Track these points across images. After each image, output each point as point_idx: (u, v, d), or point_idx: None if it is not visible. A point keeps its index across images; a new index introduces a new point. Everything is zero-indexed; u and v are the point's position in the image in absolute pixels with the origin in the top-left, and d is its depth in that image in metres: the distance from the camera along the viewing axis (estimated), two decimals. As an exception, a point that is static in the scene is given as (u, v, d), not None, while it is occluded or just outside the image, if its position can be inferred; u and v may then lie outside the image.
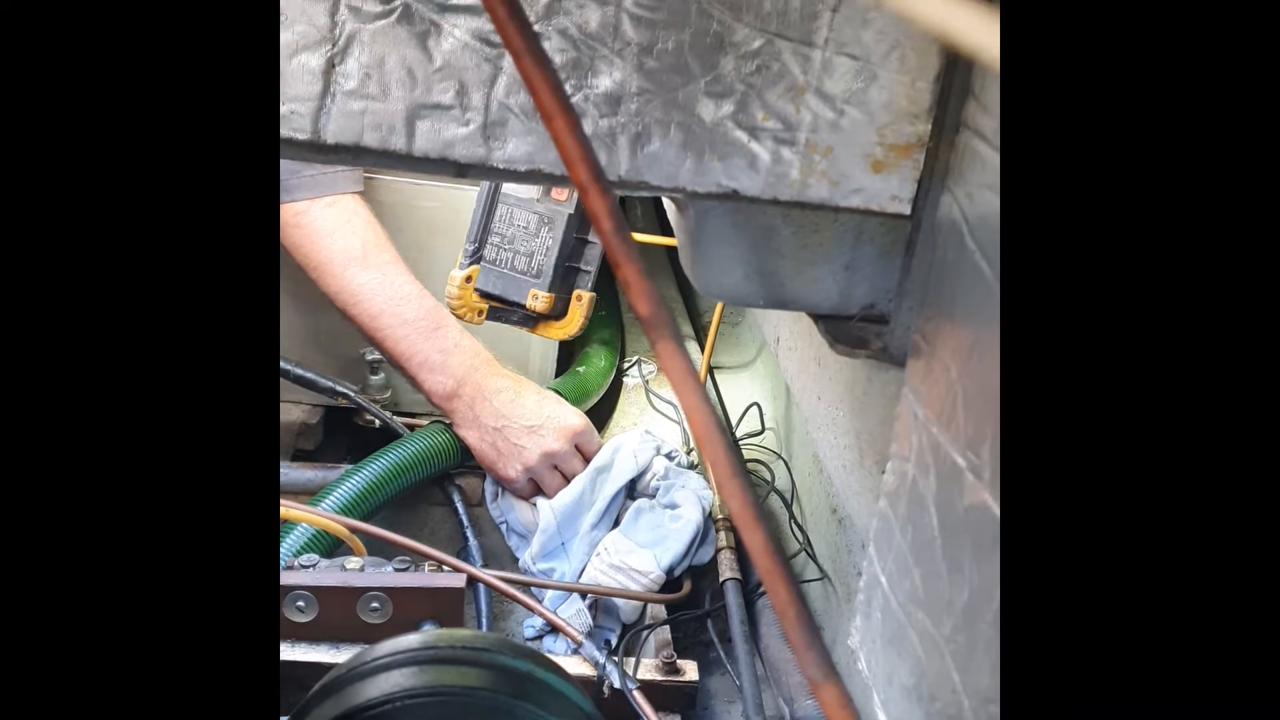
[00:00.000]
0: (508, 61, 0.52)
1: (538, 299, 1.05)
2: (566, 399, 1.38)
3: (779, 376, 1.35)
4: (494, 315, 1.10)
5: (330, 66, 0.51)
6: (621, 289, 0.38)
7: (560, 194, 1.07)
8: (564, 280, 1.08)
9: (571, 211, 1.06)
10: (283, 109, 0.51)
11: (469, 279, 1.10)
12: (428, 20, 0.51)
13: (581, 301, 1.08)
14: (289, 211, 1.24)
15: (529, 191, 1.08)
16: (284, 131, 0.51)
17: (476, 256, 1.10)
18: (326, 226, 1.26)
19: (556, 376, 1.48)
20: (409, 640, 0.55)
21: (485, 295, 1.10)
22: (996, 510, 0.48)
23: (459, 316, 1.11)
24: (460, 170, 0.54)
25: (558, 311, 1.09)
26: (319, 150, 0.52)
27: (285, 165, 1.22)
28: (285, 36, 0.50)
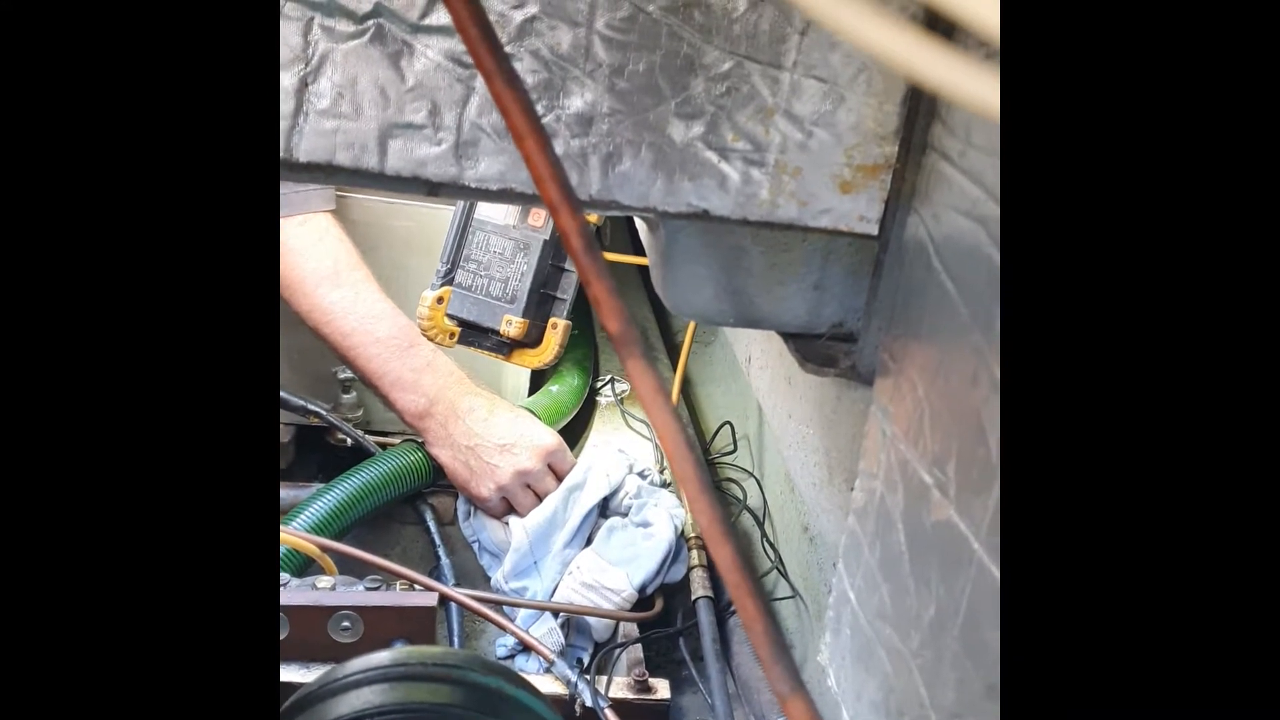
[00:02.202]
0: (480, 82, 0.52)
1: (511, 324, 1.05)
2: (540, 418, 1.38)
3: (751, 395, 1.36)
4: (467, 340, 1.09)
5: (303, 85, 0.51)
6: (593, 307, 0.39)
7: (537, 219, 1.07)
8: (539, 307, 1.07)
9: (547, 238, 1.06)
10: (255, 127, 0.51)
11: (440, 300, 1.09)
12: (400, 41, 0.51)
13: (557, 329, 1.08)
14: None
15: (505, 218, 1.08)
16: (256, 150, 0.51)
17: (449, 278, 1.10)
18: (298, 245, 1.26)
19: (529, 395, 1.48)
20: (379, 657, 0.55)
21: (459, 321, 1.09)
22: (963, 526, 0.48)
23: (429, 338, 1.11)
24: (432, 189, 0.54)
25: (532, 339, 1.09)
26: (292, 168, 0.52)
27: None
28: (258, 55, 0.50)
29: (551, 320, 1.08)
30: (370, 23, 0.50)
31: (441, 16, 0.51)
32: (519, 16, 0.51)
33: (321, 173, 0.53)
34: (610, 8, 0.52)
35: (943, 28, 0.47)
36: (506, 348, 1.09)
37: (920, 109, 0.55)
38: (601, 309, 0.39)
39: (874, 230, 0.58)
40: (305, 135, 0.51)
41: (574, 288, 1.09)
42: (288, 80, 0.51)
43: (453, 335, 1.09)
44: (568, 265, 1.08)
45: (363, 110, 0.52)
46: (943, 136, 0.54)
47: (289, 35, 0.50)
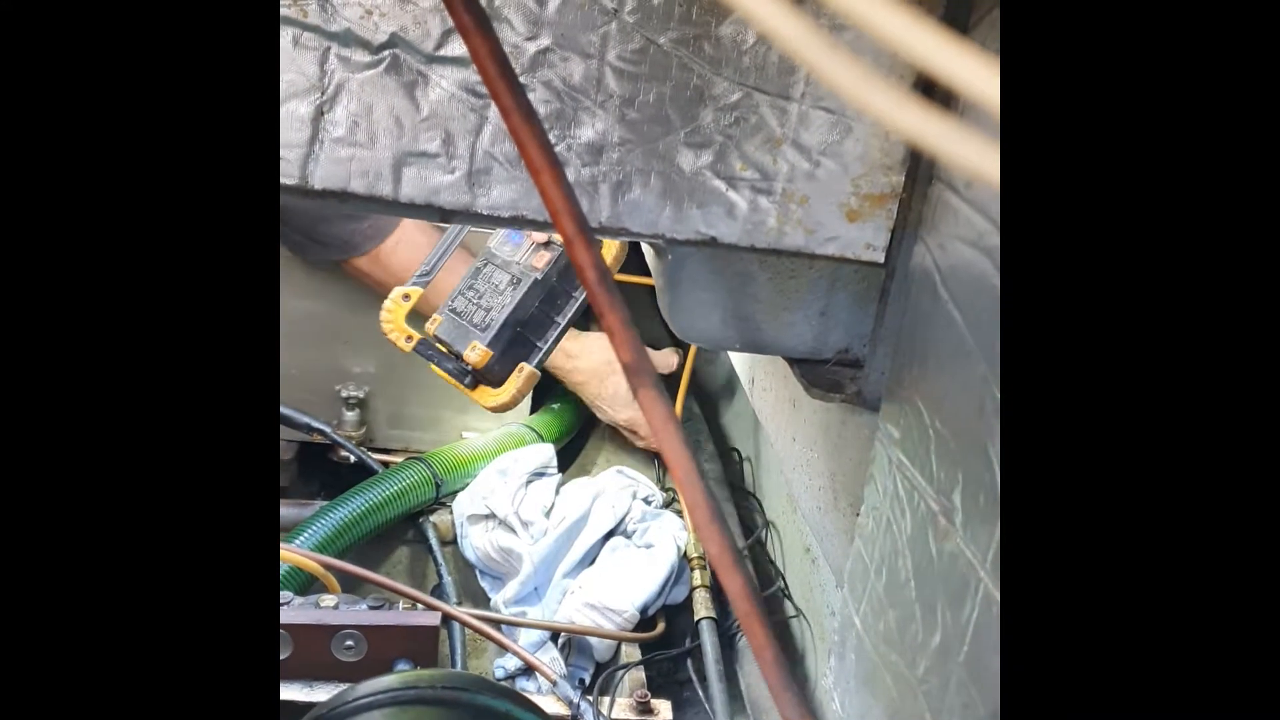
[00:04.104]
0: (493, 111, 0.53)
1: (475, 350, 1.02)
2: (542, 435, 1.39)
3: (752, 417, 1.36)
4: (431, 356, 1.06)
5: (319, 114, 0.52)
6: (607, 338, 0.39)
7: (540, 260, 1.06)
8: (510, 344, 1.03)
9: (539, 278, 1.04)
10: (271, 155, 0.52)
11: (406, 297, 1.09)
12: (415, 71, 0.52)
13: (521, 374, 1.03)
14: (366, 261, 1.34)
15: (513, 254, 1.08)
16: (272, 177, 0.52)
17: (424, 280, 1.10)
18: (399, 261, 1.33)
19: (532, 412, 1.49)
20: (389, 680, 0.55)
21: (440, 341, 1.08)
22: (969, 554, 0.49)
23: (385, 333, 1.09)
24: (445, 215, 0.55)
25: (496, 376, 1.05)
26: (306, 195, 0.53)
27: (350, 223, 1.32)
28: (275, 84, 0.51)
29: (520, 365, 1.04)
30: (386, 53, 0.51)
31: (455, 48, 0.52)
32: (532, 48, 0.52)
33: (336, 199, 0.53)
34: (622, 40, 0.53)
35: (940, 93, 0.48)
36: (469, 377, 1.05)
37: (926, 140, 0.56)
38: (615, 339, 0.39)
39: (880, 258, 0.58)
40: (321, 163, 0.52)
41: (554, 338, 1.06)
42: (304, 108, 0.51)
43: (409, 339, 1.07)
44: (558, 317, 1.06)
45: (378, 139, 0.52)
46: (948, 168, 0.54)
47: (305, 65, 0.51)
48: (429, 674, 0.55)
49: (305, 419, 1.34)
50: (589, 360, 1.45)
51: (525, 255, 1.08)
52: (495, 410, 1.09)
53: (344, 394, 1.42)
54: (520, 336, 1.05)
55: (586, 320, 1.45)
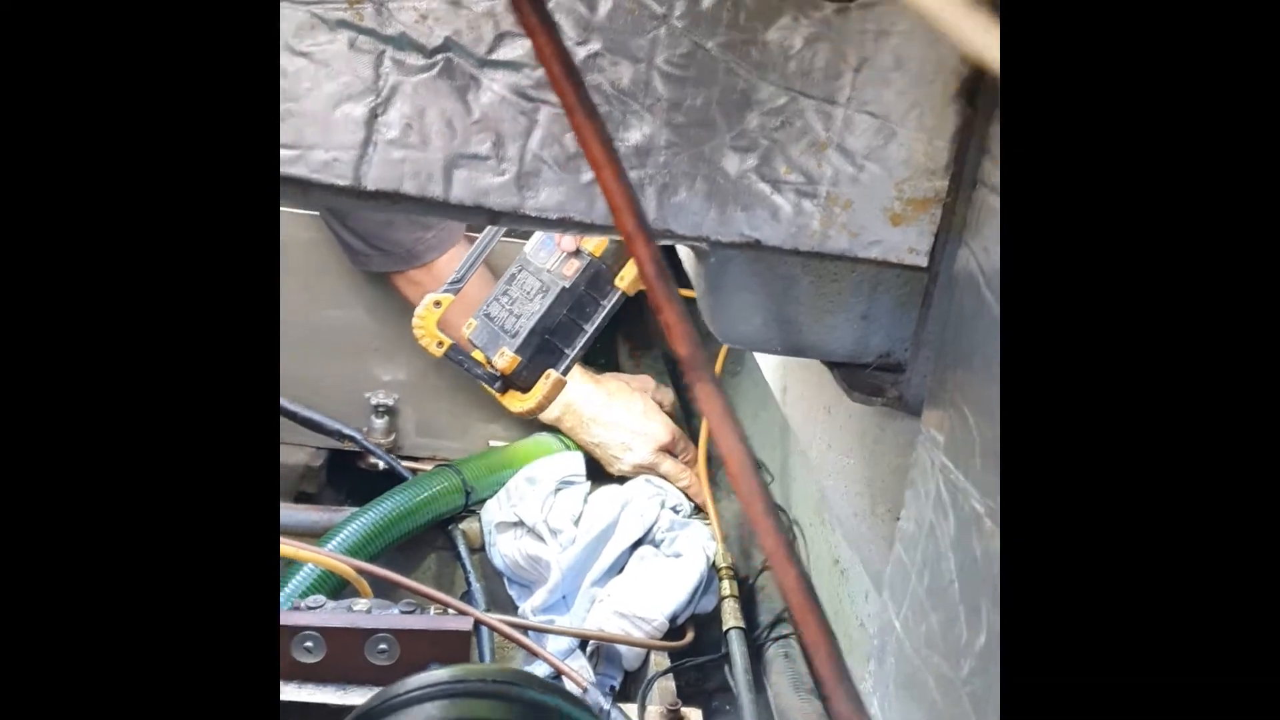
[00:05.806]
0: (543, 114, 0.54)
1: (503, 356, 1.04)
2: (570, 444, 1.39)
3: (777, 426, 1.36)
4: (461, 362, 1.09)
5: (373, 116, 0.53)
6: (664, 331, 0.40)
7: (569, 269, 1.08)
8: (538, 350, 1.05)
9: (567, 286, 1.06)
10: (325, 156, 0.53)
11: (438, 304, 1.10)
12: (468, 74, 0.53)
13: (548, 380, 1.05)
14: (423, 272, 1.32)
15: (546, 261, 1.10)
16: (325, 178, 0.53)
17: (455, 287, 1.12)
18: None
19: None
20: (440, 674, 0.55)
21: (473, 346, 1.11)
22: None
23: (417, 338, 1.11)
24: (494, 217, 0.56)
25: (524, 382, 1.07)
26: (359, 197, 0.54)
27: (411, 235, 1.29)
28: (330, 87, 0.52)
29: (547, 371, 1.06)
30: (439, 57, 0.52)
31: (507, 51, 0.53)
32: (583, 53, 0.53)
33: (387, 201, 0.54)
34: (670, 45, 0.54)
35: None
36: (498, 381, 1.07)
37: (970, 145, 0.57)
38: (672, 333, 0.40)
39: (923, 262, 0.59)
40: (374, 165, 0.53)
41: (581, 346, 1.08)
42: (358, 111, 0.52)
43: (440, 344, 1.09)
44: (587, 324, 1.08)
45: (430, 141, 0.53)
46: (992, 172, 0.55)
47: (360, 68, 0.52)
48: (479, 668, 0.55)
49: (336, 426, 1.35)
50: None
51: (555, 263, 1.10)
52: (523, 415, 1.11)
53: (374, 402, 1.43)
54: (548, 344, 1.07)
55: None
